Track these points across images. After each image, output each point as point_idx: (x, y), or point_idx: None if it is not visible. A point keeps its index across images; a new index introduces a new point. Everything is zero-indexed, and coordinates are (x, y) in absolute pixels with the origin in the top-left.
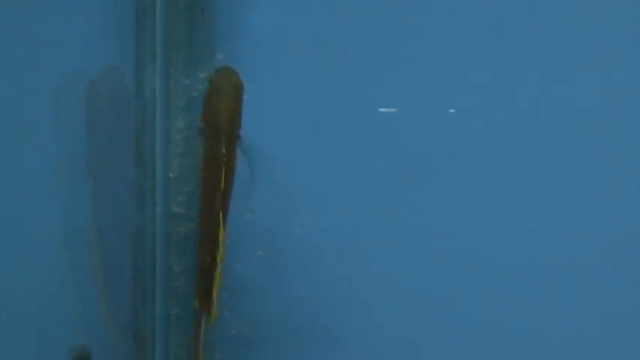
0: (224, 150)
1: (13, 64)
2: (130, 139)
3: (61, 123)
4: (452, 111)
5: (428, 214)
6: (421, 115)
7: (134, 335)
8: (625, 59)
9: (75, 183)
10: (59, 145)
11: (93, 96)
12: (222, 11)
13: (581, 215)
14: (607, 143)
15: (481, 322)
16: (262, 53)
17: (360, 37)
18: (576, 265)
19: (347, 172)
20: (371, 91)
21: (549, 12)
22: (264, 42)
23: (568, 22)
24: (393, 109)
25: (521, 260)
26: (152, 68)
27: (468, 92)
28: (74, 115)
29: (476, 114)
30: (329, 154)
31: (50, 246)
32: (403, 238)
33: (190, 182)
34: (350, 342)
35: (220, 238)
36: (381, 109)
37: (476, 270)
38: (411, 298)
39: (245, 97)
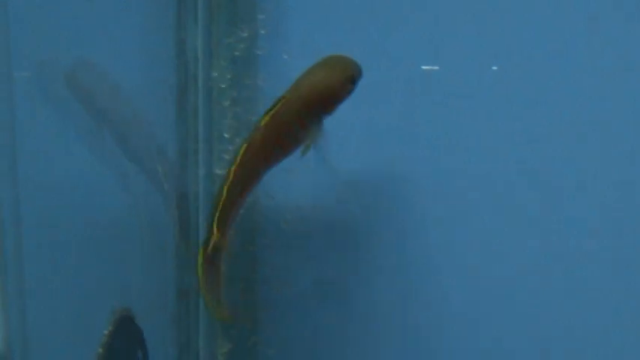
0: (299, 126)
1: (50, 21)
2: (172, 99)
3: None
4: (494, 68)
5: (470, 171)
6: (464, 72)
7: (179, 294)
8: None
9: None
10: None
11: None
12: None
13: None
14: None
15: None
16: (303, 12)
17: None
18: None
19: (389, 130)
20: (414, 48)
21: None
22: (306, 1)
23: None
24: (436, 67)
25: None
26: (194, 27)
27: (510, 49)
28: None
29: (519, 71)
30: (371, 112)
31: (92, 214)
32: (447, 194)
33: (233, 142)
34: (391, 295)
35: (231, 175)
36: (423, 67)
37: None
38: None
39: (285, 57)
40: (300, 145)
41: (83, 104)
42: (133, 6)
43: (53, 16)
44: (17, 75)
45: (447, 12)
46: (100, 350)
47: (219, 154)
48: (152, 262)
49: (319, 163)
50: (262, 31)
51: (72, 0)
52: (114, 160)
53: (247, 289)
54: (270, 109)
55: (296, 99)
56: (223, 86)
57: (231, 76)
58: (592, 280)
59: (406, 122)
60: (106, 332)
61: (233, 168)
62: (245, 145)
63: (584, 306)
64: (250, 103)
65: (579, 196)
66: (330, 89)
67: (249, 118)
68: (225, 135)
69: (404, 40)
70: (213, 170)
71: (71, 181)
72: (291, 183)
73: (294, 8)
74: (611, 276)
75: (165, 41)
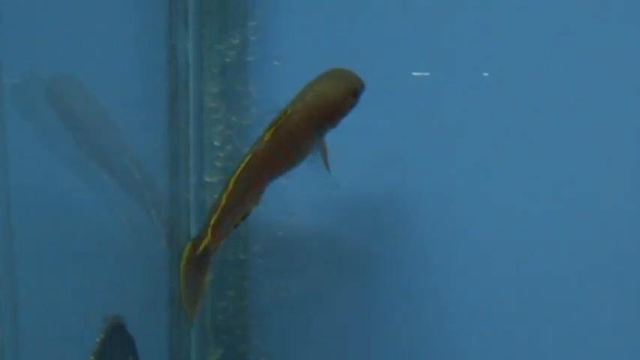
0: (302, 138)
1: (43, 27)
2: (163, 105)
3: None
4: (485, 74)
5: (461, 178)
6: (455, 79)
7: (170, 302)
8: None
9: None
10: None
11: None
12: None
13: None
14: None
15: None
16: (294, 19)
17: (394, 0)
18: None
19: (380, 137)
20: (404, 55)
21: None
22: (296, 8)
23: None
24: (427, 74)
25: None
26: (185, 34)
27: (502, 55)
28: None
29: (510, 77)
30: (362, 119)
31: (83, 223)
32: (437, 203)
33: (224, 150)
34: (382, 303)
35: (231, 184)
36: (414, 74)
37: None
38: (444, 253)
39: (276, 63)
40: (303, 158)
41: (62, 117)
42: (125, 13)
43: (45, 22)
44: (8, 81)
45: (438, 18)
46: (92, 358)
47: (210, 161)
48: (143, 270)
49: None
50: (253, 38)
51: (64, 6)
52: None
53: (238, 297)
54: (274, 123)
55: (299, 112)
56: (214, 93)
57: (222, 82)
58: (598, 296)
59: (397, 129)
60: (97, 340)
61: (233, 178)
62: (248, 156)
63: (585, 325)
64: (241, 110)
65: (580, 206)
66: (333, 102)
67: (240, 125)
68: (216, 143)
69: (395, 46)
70: (203, 177)
71: (63, 191)
72: (284, 190)
73: (284, 15)
74: (622, 292)
75: (157, 48)
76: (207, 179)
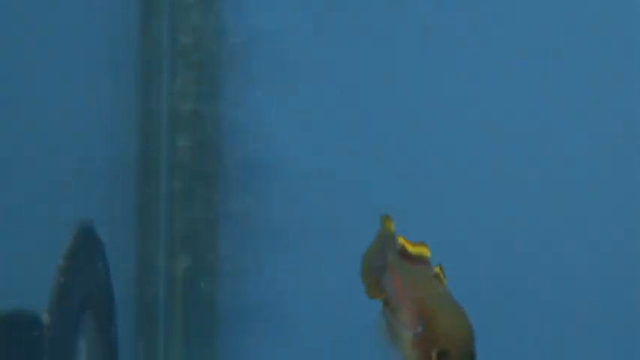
0: None
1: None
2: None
3: None
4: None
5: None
6: None
7: (139, 210)
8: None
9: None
10: None
11: None
12: None
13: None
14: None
15: None
16: None
17: None
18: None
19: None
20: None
21: None
22: None
23: None
24: None
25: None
26: None
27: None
28: None
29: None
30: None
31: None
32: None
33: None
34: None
35: None
36: None
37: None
38: None
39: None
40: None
41: None
42: None
43: None
44: None
45: None
46: (62, 261)
47: (183, 71)
48: (113, 177)
49: None
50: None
51: None
52: None
53: (207, 208)
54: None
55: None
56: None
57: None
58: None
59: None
60: (68, 243)
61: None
62: None
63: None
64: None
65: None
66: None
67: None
68: (186, 40)
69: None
70: (175, 85)
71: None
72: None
73: None
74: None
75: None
76: (180, 87)
